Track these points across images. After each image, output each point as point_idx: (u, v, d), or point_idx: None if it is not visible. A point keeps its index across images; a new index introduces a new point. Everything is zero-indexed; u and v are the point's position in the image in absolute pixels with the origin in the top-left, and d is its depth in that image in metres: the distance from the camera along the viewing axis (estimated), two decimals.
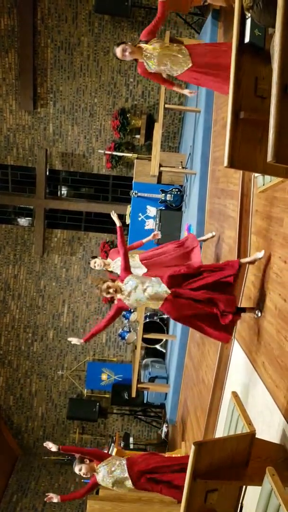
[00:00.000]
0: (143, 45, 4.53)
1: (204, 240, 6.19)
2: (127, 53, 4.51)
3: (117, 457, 4.54)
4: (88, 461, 4.47)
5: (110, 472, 4.35)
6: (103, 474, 4.36)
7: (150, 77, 4.76)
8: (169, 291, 4.15)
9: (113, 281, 4.30)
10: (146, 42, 4.54)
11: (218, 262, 5.43)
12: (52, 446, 4.67)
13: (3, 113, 9.62)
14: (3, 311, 10.43)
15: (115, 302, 4.32)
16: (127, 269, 4.37)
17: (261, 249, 4.24)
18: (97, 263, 5.55)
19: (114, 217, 5.02)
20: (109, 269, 5.60)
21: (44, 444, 4.80)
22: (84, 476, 4.47)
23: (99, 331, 4.49)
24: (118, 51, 4.55)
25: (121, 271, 4.38)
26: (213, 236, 6.00)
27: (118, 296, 4.24)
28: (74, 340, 4.66)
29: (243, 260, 4.33)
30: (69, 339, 4.78)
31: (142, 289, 4.17)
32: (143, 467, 4.31)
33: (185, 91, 4.83)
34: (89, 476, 4.46)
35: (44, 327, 10.49)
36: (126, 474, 4.32)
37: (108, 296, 4.26)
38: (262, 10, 2.50)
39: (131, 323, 9.13)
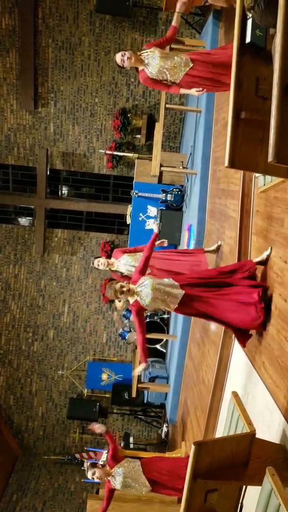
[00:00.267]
0: (143, 52, 4.53)
1: (212, 251, 5.88)
2: (125, 58, 4.51)
3: (131, 460, 4.48)
4: (100, 466, 4.42)
5: (126, 476, 4.30)
6: (120, 479, 4.30)
7: (152, 85, 4.68)
8: (183, 292, 4.09)
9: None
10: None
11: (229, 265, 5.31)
12: (98, 427, 4.51)
13: (4, 112, 9.62)
14: (3, 310, 10.43)
15: (129, 302, 4.24)
16: (142, 272, 4.28)
17: (262, 249, 4.24)
18: (100, 262, 5.52)
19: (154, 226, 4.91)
20: (113, 269, 5.57)
21: (90, 427, 4.62)
22: (97, 480, 4.40)
23: (143, 341, 4.33)
24: (118, 56, 4.58)
25: (136, 272, 4.29)
26: (219, 246, 5.79)
27: (135, 297, 4.16)
28: (140, 369, 4.50)
29: (254, 260, 4.27)
30: (136, 371, 4.66)
31: (158, 288, 4.11)
32: (159, 471, 4.30)
33: (193, 91, 4.59)
34: (102, 480, 4.40)
35: (44, 326, 10.50)
36: (143, 478, 4.29)
37: (121, 296, 4.19)
38: (263, 11, 2.50)
39: (131, 323, 9.13)
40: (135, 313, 4.22)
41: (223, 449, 2.91)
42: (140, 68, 4.60)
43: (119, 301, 4.46)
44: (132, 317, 4.31)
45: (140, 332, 4.24)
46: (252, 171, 4.19)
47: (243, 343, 4.20)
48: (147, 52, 4.55)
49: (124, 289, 4.15)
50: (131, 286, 4.21)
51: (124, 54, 4.53)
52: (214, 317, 4.11)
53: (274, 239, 4.01)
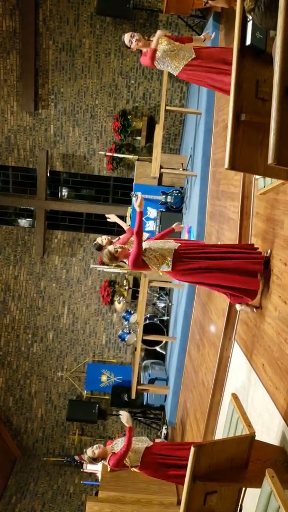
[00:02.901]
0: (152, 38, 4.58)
1: None
2: (134, 40, 4.59)
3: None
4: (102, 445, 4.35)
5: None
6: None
7: (152, 66, 4.73)
8: (178, 244, 4.07)
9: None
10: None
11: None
12: (127, 420, 4.42)
13: (4, 114, 9.64)
14: (3, 312, 10.43)
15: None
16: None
17: (262, 251, 4.24)
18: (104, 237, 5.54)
19: (116, 219, 4.95)
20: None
21: (121, 412, 4.52)
22: (93, 458, 4.31)
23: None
24: (126, 36, 4.63)
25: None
26: None
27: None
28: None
29: None
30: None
31: (150, 247, 4.11)
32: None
33: (202, 37, 4.61)
34: (98, 461, 4.33)
35: (44, 328, 10.49)
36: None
37: (119, 253, 4.19)
38: (263, 13, 2.51)
39: (131, 325, 9.13)
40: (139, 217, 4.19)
41: (223, 451, 2.91)
42: (144, 49, 4.62)
43: (113, 265, 4.42)
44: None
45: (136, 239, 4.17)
46: (252, 173, 4.20)
47: (252, 295, 4.07)
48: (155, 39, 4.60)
49: (119, 249, 4.17)
50: (124, 246, 4.24)
51: (134, 35, 4.60)
52: (216, 270, 3.98)
53: (274, 241, 4.01)
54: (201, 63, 4.47)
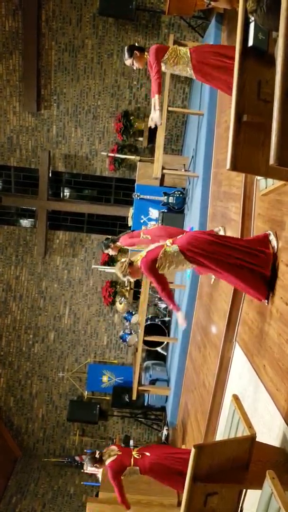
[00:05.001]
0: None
1: None
2: (134, 67, 4.94)
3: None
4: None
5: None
6: None
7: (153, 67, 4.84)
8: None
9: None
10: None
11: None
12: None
13: (6, 114, 9.65)
14: (4, 312, 10.44)
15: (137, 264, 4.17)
16: None
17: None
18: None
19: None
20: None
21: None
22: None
23: (168, 292, 4.21)
24: (127, 62, 4.93)
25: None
26: None
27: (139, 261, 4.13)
28: (181, 318, 4.31)
29: None
30: (181, 321, 4.34)
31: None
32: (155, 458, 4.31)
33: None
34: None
35: (45, 328, 10.50)
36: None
37: (128, 270, 4.18)
38: (265, 14, 2.50)
39: (132, 326, 9.12)
40: (147, 269, 4.04)
41: (223, 452, 2.90)
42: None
43: (124, 279, 4.37)
44: (146, 275, 4.11)
45: (161, 287, 4.07)
46: (254, 174, 4.20)
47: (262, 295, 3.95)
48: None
49: (126, 262, 4.15)
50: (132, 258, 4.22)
51: (132, 64, 4.92)
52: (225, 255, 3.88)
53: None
54: (203, 59, 4.55)
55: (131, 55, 4.84)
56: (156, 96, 4.67)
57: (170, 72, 4.82)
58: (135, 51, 4.85)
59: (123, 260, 4.25)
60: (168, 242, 4.04)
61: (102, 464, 4.46)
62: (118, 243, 6.24)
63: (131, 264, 4.18)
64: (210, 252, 3.84)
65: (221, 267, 3.84)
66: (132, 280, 4.31)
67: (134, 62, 4.87)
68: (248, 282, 3.86)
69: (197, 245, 3.88)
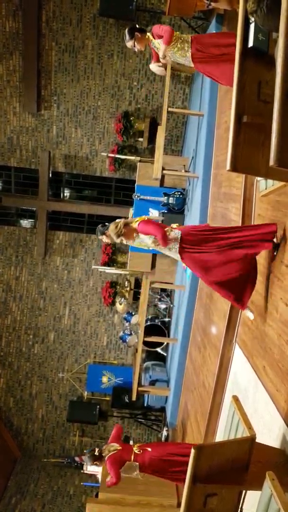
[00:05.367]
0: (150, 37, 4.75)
1: None
2: (135, 48, 4.83)
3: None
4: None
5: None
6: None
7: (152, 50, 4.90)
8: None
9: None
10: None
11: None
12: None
13: (7, 115, 9.65)
14: (4, 312, 10.43)
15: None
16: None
17: (263, 253, 4.23)
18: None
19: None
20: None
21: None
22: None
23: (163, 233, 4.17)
24: (129, 44, 4.82)
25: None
26: None
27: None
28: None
29: None
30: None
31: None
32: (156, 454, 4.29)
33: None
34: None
35: (45, 329, 10.49)
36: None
37: (123, 232, 4.15)
38: (265, 15, 2.50)
39: (132, 326, 9.12)
40: (148, 224, 4.09)
41: (223, 453, 2.90)
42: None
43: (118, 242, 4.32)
44: (145, 233, 4.11)
45: (161, 231, 4.05)
46: (254, 175, 4.20)
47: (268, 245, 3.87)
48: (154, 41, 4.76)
49: (121, 222, 4.12)
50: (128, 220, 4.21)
51: (134, 45, 4.81)
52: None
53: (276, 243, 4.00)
54: (202, 48, 4.57)
55: (132, 36, 4.71)
56: (165, 46, 4.58)
57: (170, 55, 4.69)
58: (136, 33, 4.72)
59: (117, 220, 4.21)
60: (174, 225, 4.11)
61: (102, 461, 4.42)
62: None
63: (126, 224, 4.15)
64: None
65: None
66: (125, 242, 4.21)
67: (135, 43, 4.74)
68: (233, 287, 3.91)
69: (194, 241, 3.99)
